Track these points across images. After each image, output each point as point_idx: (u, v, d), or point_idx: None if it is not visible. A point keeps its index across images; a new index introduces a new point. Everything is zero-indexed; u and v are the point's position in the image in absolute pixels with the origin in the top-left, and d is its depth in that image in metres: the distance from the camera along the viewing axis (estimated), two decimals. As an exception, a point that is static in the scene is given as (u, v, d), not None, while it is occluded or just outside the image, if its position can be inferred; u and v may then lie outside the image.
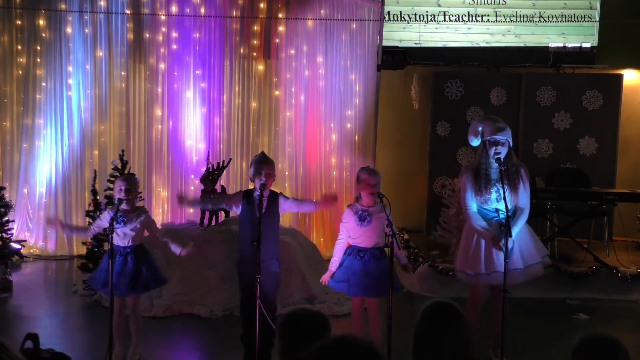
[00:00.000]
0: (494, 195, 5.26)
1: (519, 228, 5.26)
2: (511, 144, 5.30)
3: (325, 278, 5.36)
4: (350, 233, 5.31)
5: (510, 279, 5.15)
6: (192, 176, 9.12)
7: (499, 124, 5.29)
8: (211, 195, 7.42)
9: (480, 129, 5.33)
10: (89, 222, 7.59)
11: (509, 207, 5.06)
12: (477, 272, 5.28)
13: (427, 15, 9.73)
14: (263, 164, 5.14)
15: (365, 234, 5.23)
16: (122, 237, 5.19)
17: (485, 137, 5.28)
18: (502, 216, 5.21)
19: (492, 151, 5.21)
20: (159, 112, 9.11)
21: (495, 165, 5.22)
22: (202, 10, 9.02)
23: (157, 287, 5.62)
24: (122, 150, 7.70)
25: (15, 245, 8.27)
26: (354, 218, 5.26)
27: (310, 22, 9.22)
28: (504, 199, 5.03)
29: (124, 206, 5.17)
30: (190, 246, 5.38)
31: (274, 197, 5.27)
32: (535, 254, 5.38)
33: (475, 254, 5.29)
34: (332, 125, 9.41)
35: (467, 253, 5.37)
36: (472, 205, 5.33)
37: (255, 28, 9.13)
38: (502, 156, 5.20)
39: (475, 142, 5.41)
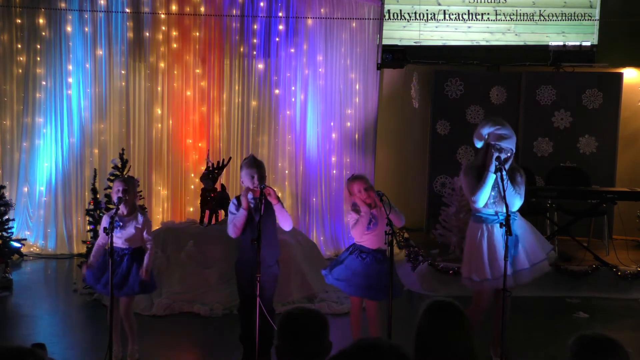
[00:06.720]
0: (492, 199, 5.26)
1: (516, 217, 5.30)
2: (514, 151, 5.27)
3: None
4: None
5: (518, 279, 5.16)
6: (192, 175, 9.13)
7: (504, 131, 5.25)
8: (211, 194, 7.42)
9: (486, 132, 5.32)
10: (89, 220, 7.60)
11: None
12: (484, 278, 5.27)
13: (427, 14, 9.73)
14: (254, 168, 5.14)
15: (370, 234, 5.22)
16: (120, 240, 5.20)
17: (490, 141, 5.27)
18: (501, 218, 5.20)
19: (494, 156, 5.19)
20: (159, 111, 9.11)
21: (493, 167, 5.19)
22: (202, 9, 9.02)
23: (146, 292, 5.56)
24: (122, 149, 7.69)
25: (16, 244, 8.27)
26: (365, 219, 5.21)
27: (310, 21, 9.22)
28: (504, 198, 5.03)
29: (122, 209, 5.16)
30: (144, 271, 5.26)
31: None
32: (539, 251, 5.37)
33: (478, 260, 5.27)
34: (332, 124, 9.41)
35: (471, 259, 5.36)
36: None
37: (255, 27, 9.13)
38: (502, 158, 5.18)
39: (480, 144, 5.41)
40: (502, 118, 5.48)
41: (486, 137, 5.33)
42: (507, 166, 5.19)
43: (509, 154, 5.23)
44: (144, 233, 5.28)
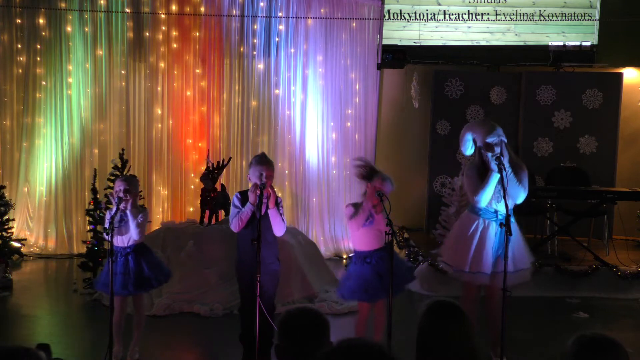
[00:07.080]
0: (495, 194, 5.27)
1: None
2: (505, 141, 5.30)
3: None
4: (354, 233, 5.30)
5: (499, 280, 5.15)
6: (192, 175, 9.13)
7: (487, 126, 5.28)
8: (211, 194, 7.42)
9: (472, 136, 5.34)
10: (89, 220, 7.61)
11: (509, 206, 5.07)
12: (461, 269, 5.30)
13: (427, 14, 9.73)
14: (264, 165, 5.12)
15: (365, 234, 5.21)
16: (122, 238, 5.19)
17: (479, 144, 5.29)
18: (500, 217, 5.21)
19: (489, 154, 5.20)
20: (158, 111, 9.11)
21: (495, 166, 5.20)
22: (202, 9, 9.01)
23: (163, 282, 5.60)
24: (122, 149, 7.69)
25: (16, 244, 8.27)
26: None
27: (310, 21, 9.22)
28: (504, 197, 5.03)
29: (122, 208, 5.16)
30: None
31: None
32: (526, 258, 5.40)
33: (463, 251, 5.30)
34: (332, 124, 9.41)
35: (456, 247, 5.38)
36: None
37: (255, 27, 9.13)
38: (498, 154, 5.19)
39: (469, 151, 5.42)
40: (501, 117, 5.50)
41: (473, 140, 5.35)
42: (505, 158, 5.20)
43: (501, 145, 5.23)
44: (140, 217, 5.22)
